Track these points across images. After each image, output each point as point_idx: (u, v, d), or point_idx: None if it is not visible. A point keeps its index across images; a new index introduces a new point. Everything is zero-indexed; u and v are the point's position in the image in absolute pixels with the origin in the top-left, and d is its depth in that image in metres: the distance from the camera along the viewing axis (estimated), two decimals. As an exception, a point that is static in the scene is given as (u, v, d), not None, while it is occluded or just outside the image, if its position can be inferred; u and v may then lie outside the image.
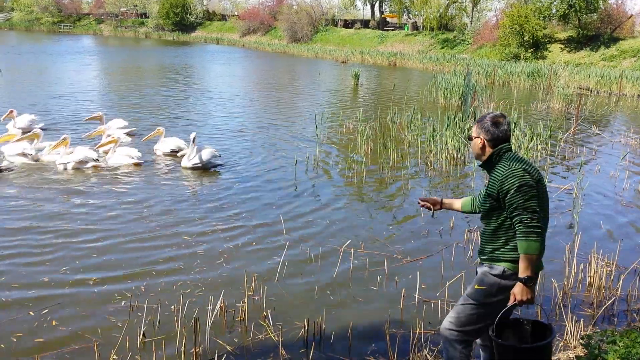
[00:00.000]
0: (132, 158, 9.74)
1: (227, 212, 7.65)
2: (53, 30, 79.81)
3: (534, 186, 3.12)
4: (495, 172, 3.25)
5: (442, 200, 3.83)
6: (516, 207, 3.10)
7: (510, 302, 3.15)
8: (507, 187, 3.13)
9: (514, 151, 3.35)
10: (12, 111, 11.35)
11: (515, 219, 3.11)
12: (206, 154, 9.62)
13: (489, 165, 3.37)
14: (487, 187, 3.31)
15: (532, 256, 3.06)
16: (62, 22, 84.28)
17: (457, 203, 3.82)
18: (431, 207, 3.81)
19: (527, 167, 3.19)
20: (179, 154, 10.01)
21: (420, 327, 4.66)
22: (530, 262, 3.07)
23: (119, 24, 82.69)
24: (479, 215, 3.53)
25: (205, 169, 9.64)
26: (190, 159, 9.46)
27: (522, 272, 3.08)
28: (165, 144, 10.45)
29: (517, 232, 3.11)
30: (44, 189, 8.41)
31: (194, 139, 9.52)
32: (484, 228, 3.40)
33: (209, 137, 12.61)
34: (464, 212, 3.83)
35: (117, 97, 19.04)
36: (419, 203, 3.90)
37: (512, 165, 3.18)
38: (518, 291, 3.11)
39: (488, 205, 3.30)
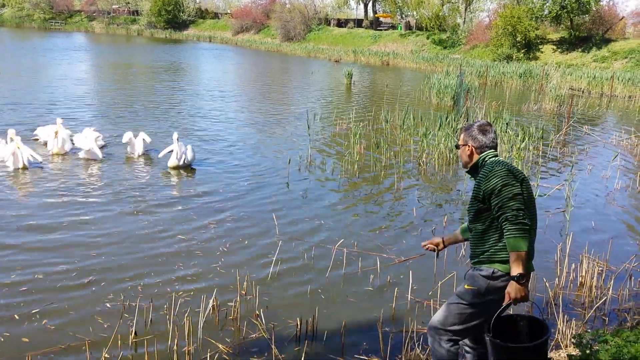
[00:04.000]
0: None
1: (219, 211, 7.63)
2: (44, 27, 79.30)
3: (517, 185, 3.18)
4: (480, 175, 3.33)
5: (442, 238, 3.85)
6: (501, 207, 3.14)
7: (506, 302, 3.15)
8: (491, 187, 3.19)
9: (499, 158, 3.40)
10: (57, 131, 10.76)
11: (501, 218, 3.15)
12: (190, 152, 9.76)
13: (475, 171, 3.44)
14: (473, 190, 3.37)
15: (521, 253, 3.09)
16: (53, 18, 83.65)
17: (458, 234, 3.81)
18: (435, 248, 3.83)
19: (510, 168, 3.26)
20: (160, 155, 9.91)
21: (413, 325, 4.66)
22: (520, 259, 3.09)
23: (111, 21, 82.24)
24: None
25: (189, 166, 9.74)
26: (179, 158, 9.45)
27: (514, 270, 3.10)
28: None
29: (504, 231, 3.15)
30: (34, 186, 8.36)
31: (177, 138, 9.55)
32: (473, 232, 3.42)
33: (200, 136, 12.58)
34: (466, 239, 3.73)
35: (107, 96, 18.92)
36: (423, 246, 3.92)
37: (495, 167, 3.25)
38: (512, 290, 3.12)
39: (475, 208, 3.34)
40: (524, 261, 3.10)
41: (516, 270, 3.09)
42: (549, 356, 4.21)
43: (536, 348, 3.13)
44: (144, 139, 10.44)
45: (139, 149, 10.33)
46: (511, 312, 3.68)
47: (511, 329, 3.32)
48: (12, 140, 9.31)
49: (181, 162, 9.51)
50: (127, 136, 10.32)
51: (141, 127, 12.22)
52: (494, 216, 3.21)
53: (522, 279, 3.09)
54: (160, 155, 9.87)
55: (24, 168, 9.03)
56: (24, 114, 14.05)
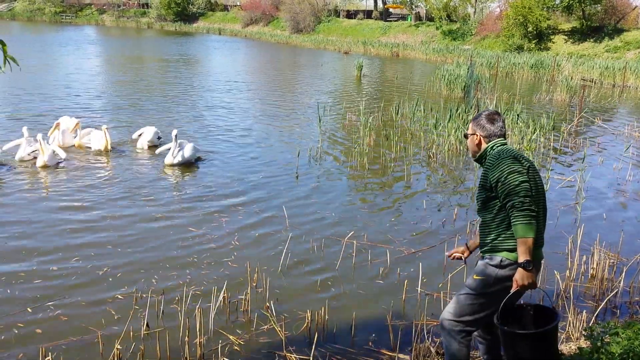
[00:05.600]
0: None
1: (229, 203, 7.65)
2: (55, 21, 79.67)
3: (524, 172, 3.18)
4: (487, 164, 3.34)
5: (466, 244, 3.78)
6: (508, 193, 3.14)
7: (513, 289, 3.16)
8: (497, 175, 3.20)
9: (507, 146, 3.39)
10: (58, 124, 10.84)
11: (508, 205, 3.16)
12: (188, 150, 9.55)
13: (483, 159, 3.45)
14: (481, 179, 3.38)
15: (528, 240, 3.08)
16: (64, 12, 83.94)
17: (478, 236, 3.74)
18: (461, 256, 3.76)
19: (516, 155, 3.27)
20: (157, 152, 9.93)
21: (423, 318, 4.68)
22: (527, 246, 3.09)
23: (121, 14, 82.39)
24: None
25: (189, 163, 9.57)
26: (174, 156, 9.35)
27: (521, 257, 3.11)
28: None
29: (511, 217, 3.15)
30: (45, 181, 8.43)
31: (175, 135, 9.34)
32: (481, 221, 3.43)
33: (211, 129, 12.61)
34: None
35: (121, 89, 19.00)
36: (449, 256, 3.85)
37: (502, 154, 3.27)
38: (519, 277, 3.12)
39: (483, 196, 3.35)
40: (531, 248, 3.10)
41: (523, 257, 3.10)
42: (559, 348, 4.21)
43: (544, 334, 3.13)
44: (152, 135, 10.48)
45: (143, 143, 10.39)
46: (522, 302, 3.68)
47: (521, 317, 3.33)
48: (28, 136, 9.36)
49: (175, 161, 9.36)
50: (138, 132, 10.46)
51: (154, 119, 12.27)
52: (501, 204, 3.22)
53: (529, 266, 3.09)
54: (157, 152, 9.87)
55: (45, 166, 8.99)
56: (42, 106, 14.14)
